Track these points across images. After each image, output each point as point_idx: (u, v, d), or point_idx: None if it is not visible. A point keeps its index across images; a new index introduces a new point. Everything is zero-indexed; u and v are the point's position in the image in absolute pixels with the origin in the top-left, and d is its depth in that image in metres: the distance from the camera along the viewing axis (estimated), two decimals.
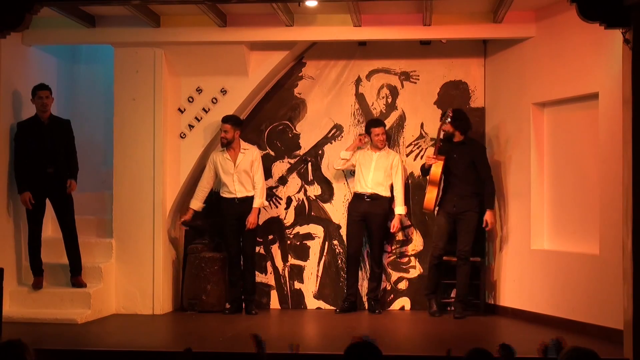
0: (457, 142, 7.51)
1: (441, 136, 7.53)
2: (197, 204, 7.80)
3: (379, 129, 7.77)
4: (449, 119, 7.41)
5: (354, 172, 7.91)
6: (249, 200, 7.72)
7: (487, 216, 7.44)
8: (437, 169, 7.42)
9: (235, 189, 7.69)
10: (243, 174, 7.69)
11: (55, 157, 7.19)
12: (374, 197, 7.75)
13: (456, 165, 7.47)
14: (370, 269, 7.90)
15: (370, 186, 7.76)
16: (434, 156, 7.46)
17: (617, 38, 5.45)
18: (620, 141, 5.48)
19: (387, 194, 7.81)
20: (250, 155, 7.75)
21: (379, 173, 7.77)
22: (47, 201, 7.30)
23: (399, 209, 7.74)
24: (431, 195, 7.44)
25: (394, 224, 7.74)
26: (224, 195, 7.75)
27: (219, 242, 7.85)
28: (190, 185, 8.07)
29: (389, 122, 8.12)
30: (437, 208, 7.55)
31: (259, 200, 7.71)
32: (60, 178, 7.20)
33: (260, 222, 7.94)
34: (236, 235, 7.77)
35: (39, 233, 7.25)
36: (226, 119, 7.67)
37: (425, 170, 7.61)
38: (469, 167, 7.47)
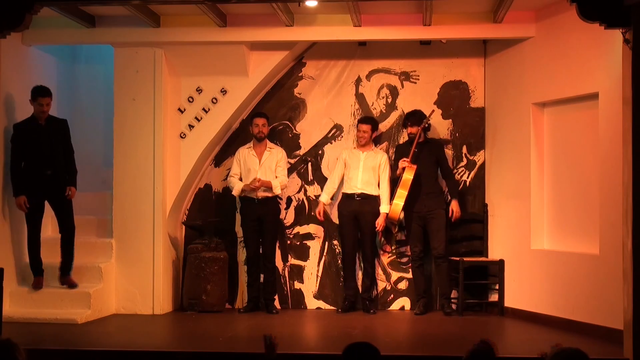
0: (421, 142, 7.63)
1: (414, 143, 7.55)
2: (238, 190, 7.77)
3: (364, 126, 7.80)
4: (427, 124, 7.62)
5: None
6: (269, 201, 7.74)
7: (453, 205, 7.66)
8: (409, 176, 7.45)
9: (257, 187, 7.70)
10: (268, 171, 7.72)
11: (54, 159, 7.11)
12: (364, 197, 7.76)
13: (423, 165, 7.58)
14: (363, 268, 7.91)
15: (359, 186, 7.76)
16: (408, 160, 7.48)
17: (617, 38, 5.45)
18: (620, 141, 5.47)
19: (377, 192, 7.81)
20: (275, 155, 7.79)
21: (368, 172, 7.77)
22: (46, 203, 7.25)
23: (384, 207, 7.73)
24: (399, 203, 7.46)
25: (379, 222, 7.74)
26: (244, 194, 7.77)
27: (219, 242, 7.85)
28: (191, 185, 8.08)
29: (389, 122, 8.12)
30: (401, 217, 7.64)
31: (277, 184, 7.69)
32: (58, 180, 7.13)
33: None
34: (255, 236, 7.79)
35: (38, 234, 7.19)
36: (261, 114, 7.81)
37: (395, 180, 7.66)
38: (433, 165, 7.67)
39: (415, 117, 7.69)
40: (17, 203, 7.03)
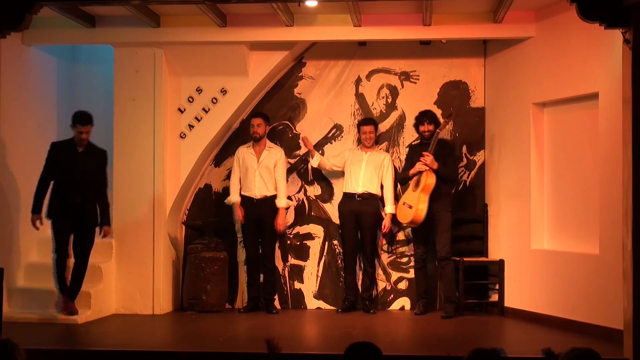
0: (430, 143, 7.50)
1: (433, 144, 7.42)
2: (237, 197, 7.80)
3: (367, 127, 7.81)
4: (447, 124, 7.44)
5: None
6: (267, 200, 7.75)
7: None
8: (431, 181, 7.34)
9: (255, 186, 7.72)
10: (265, 170, 7.73)
11: (84, 188, 6.78)
12: (365, 197, 7.76)
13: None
14: (363, 268, 7.91)
15: (361, 185, 7.76)
16: (428, 163, 7.36)
17: (617, 38, 5.46)
18: (620, 141, 5.48)
19: (378, 192, 7.82)
20: (274, 154, 7.81)
21: (370, 172, 7.77)
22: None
23: (389, 207, 7.74)
24: (423, 208, 7.33)
25: (385, 224, 7.74)
26: (244, 193, 7.78)
27: (219, 242, 7.85)
28: (190, 185, 8.08)
29: (389, 122, 8.12)
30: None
31: (284, 200, 7.79)
32: (86, 210, 6.83)
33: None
34: (254, 236, 7.80)
35: (65, 259, 6.87)
36: (258, 114, 7.83)
37: (406, 179, 7.60)
38: (442, 166, 7.45)
39: (430, 116, 7.57)
40: (32, 220, 6.75)
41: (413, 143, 7.94)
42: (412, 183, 7.52)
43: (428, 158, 7.35)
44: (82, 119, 6.78)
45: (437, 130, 7.45)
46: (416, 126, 7.70)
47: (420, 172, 7.42)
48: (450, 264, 7.52)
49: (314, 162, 7.97)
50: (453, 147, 7.86)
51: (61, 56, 8.17)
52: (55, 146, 6.88)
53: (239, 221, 7.83)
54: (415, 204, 7.36)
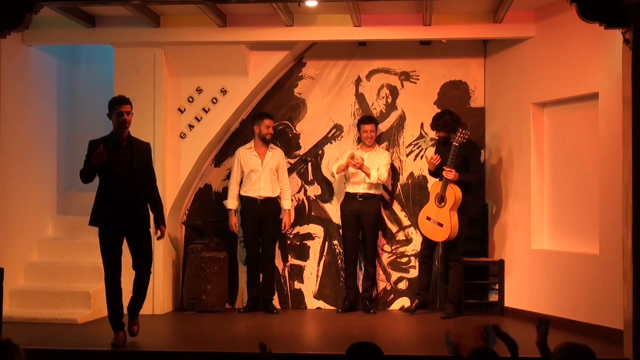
0: (447, 145, 7.37)
1: (454, 154, 7.19)
2: (234, 203, 7.81)
3: (369, 126, 7.78)
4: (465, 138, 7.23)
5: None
6: (271, 201, 7.78)
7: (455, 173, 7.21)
8: (458, 194, 7.17)
9: (260, 187, 7.73)
10: (269, 172, 7.75)
11: (134, 186, 6.04)
12: (367, 197, 7.76)
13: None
14: (364, 268, 7.91)
15: (362, 185, 7.76)
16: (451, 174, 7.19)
17: (617, 38, 5.46)
18: (620, 141, 5.48)
19: (380, 192, 7.82)
20: (277, 156, 7.84)
21: (371, 172, 7.75)
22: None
23: (374, 172, 7.62)
24: (456, 221, 7.20)
25: (359, 161, 7.54)
26: (246, 194, 7.78)
27: (219, 242, 7.85)
28: (190, 185, 8.08)
29: (389, 122, 8.12)
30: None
31: (289, 202, 7.87)
32: (138, 210, 6.09)
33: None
34: (256, 236, 7.81)
35: (118, 279, 6.07)
36: (269, 115, 7.84)
37: (433, 173, 7.51)
38: (460, 166, 7.31)
39: (435, 124, 7.43)
40: (95, 156, 5.83)
41: (437, 137, 7.66)
42: (434, 196, 7.31)
43: (450, 174, 7.18)
44: (118, 99, 6.06)
45: (454, 143, 7.18)
46: (441, 130, 7.46)
47: (444, 184, 7.24)
48: (459, 265, 7.45)
49: (337, 171, 7.78)
50: (476, 146, 7.60)
51: (61, 56, 8.17)
52: (95, 144, 6.01)
53: (233, 229, 7.81)
54: (447, 221, 7.22)
